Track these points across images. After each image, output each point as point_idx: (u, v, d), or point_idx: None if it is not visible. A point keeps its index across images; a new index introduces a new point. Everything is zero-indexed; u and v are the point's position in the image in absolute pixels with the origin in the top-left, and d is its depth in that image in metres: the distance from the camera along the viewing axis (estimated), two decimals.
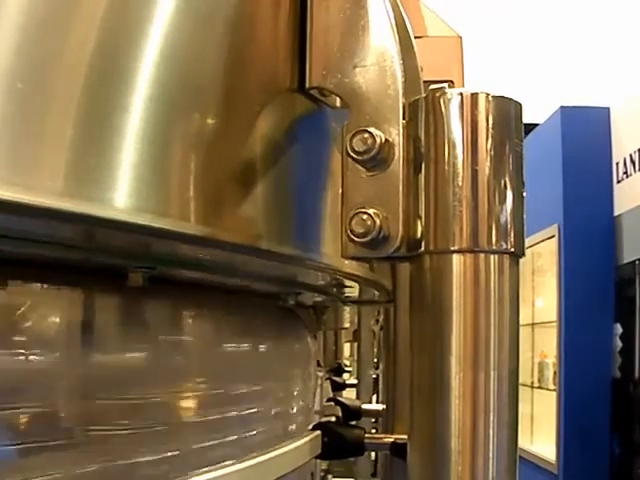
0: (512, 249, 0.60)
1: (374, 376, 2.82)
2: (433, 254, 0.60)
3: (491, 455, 0.59)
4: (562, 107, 5.89)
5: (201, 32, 0.56)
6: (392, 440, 0.96)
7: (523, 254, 0.62)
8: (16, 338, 0.58)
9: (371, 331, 2.82)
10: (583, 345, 5.53)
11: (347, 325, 3.56)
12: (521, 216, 0.62)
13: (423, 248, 0.61)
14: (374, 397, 2.81)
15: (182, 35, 0.53)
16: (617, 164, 5.62)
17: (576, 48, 6.96)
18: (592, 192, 5.75)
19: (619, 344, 5.44)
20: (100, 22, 0.47)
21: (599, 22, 6.95)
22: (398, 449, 0.93)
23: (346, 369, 5.21)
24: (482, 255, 0.60)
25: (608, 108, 5.70)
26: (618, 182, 5.61)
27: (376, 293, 1.03)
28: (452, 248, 0.59)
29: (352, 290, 0.98)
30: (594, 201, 5.74)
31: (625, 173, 5.47)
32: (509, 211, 0.60)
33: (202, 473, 0.70)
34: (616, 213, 5.59)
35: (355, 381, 2.94)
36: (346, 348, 6.58)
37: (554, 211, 5.69)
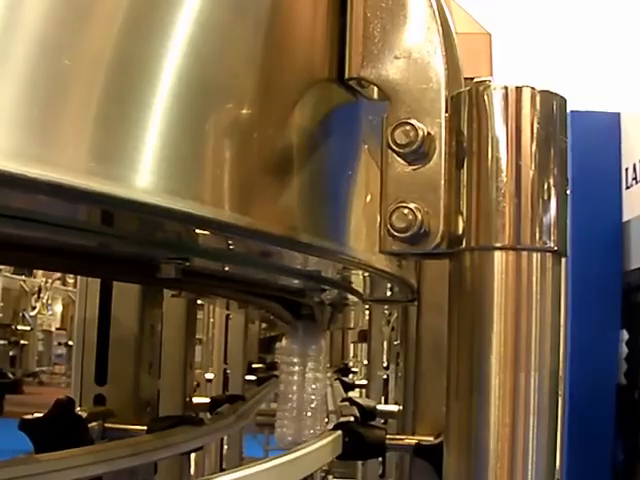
0: (555, 247, 0.59)
1: (384, 377, 2.80)
2: (474, 251, 0.59)
3: (530, 459, 0.58)
4: (572, 111, 5.85)
5: (238, 18, 0.54)
6: (416, 442, 0.95)
7: (566, 253, 0.60)
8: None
9: (381, 332, 2.81)
10: (589, 350, 5.51)
11: (352, 325, 3.56)
12: (565, 214, 0.60)
13: (464, 244, 0.59)
14: (382, 398, 2.79)
15: (218, 21, 0.52)
16: (626, 170, 5.59)
17: (587, 52, 6.95)
18: (601, 197, 5.72)
19: (625, 350, 5.41)
20: (136, 2, 0.46)
21: (610, 27, 6.93)
22: (423, 451, 0.92)
23: (352, 370, 5.20)
24: (525, 253, 0.58)
25: (618, 113, 5.68)
26: (627, 188, 5.58)
27: (396, 291, 1.01)
28: (494, 245, 0.58)
29: (364, 287, 0.97)
30: (602, 206, 5.71)
31: (634, 179, 5.45)
32: (553, 208, 0.59)
33: (227, 473, 0.69)
34: (625, 219, 5.57)
35: (364, 382, 2.93)
36: (351, 349, 6.59)
37: None
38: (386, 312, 2.58)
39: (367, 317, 2.92)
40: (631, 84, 5.93)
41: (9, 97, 0.39)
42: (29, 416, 1.07)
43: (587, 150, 5.71)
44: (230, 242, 0.62)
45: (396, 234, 0.59)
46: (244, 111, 0.54)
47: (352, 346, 6.57)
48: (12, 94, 0.39)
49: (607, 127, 5.68)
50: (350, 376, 4.90)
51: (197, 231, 0.56)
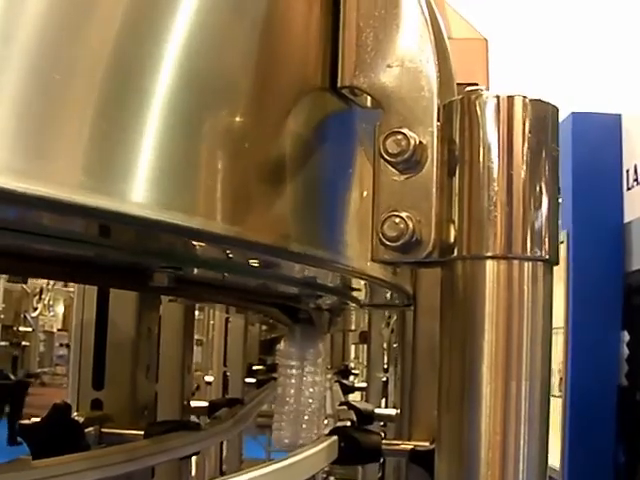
0: (547, 256, 0.59)
1: (384, 379, 2.80)
2: (466, 260, 0.59)
3: (521, 467, 0.58)
4: (573, 113, 5.86)
5: (231, 27, 0.54)
6: (412, 447, 0.95)
7: (557, 262, 0.60)
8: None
9: (381, 334, 2.81)
10: (590, 352, 5.50)
11: (353, 327, 3.55)
12: (556, 223, 0.60)
13: (456, 253, 0.59)
14: (382, 401, 2.79)
15: (211, 29, 0.52)
16: (627, 171, 5.59)
17: (588, 54, 6.94)
18: (602, 199, 5.71)
19: (626, 352, 5.41)
20: (125, 15, 0.46)
21: (612, 29, 6.92)
22: (418, 457, 0.92)
23: (353, 372, 5.20)
24: (516, 262, 0.58)
25: (619, 115, 5.67)
26: (628, 189, 5.58)
27: (394, 296, 1.01)
28: (486, 254, 0.58)
29: (361, 293, 0.97)
30: (604, 208, 5.70)
31: (635, 180, 5.44)
32: (544, 217, 0.59)
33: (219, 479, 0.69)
34: (626, 220, 5.56)
35: (364, 384, 2.93)
36: (352, 351, 6.57)
37: (563, 217, 5.67)
38: (386, 314, 2.58)
39: (367, 319, 2.91)
40: (632, 86, 5.93)
41: (2, 113, 0.39)
42: (26, 421, 1.07)
43: (588, 152, 5.70)
44: (224, 252, 0.62)
45: (388, 243, 0.59)
46: (237, 121, 0.54)
47: (353, 347, 6.56)
48: (5, 110, 0.39)
49: (608, 128, 5.68)
50: (351, 378, 4.89)
51: (190, 242, 0.56)
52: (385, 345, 2.88)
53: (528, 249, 0.58)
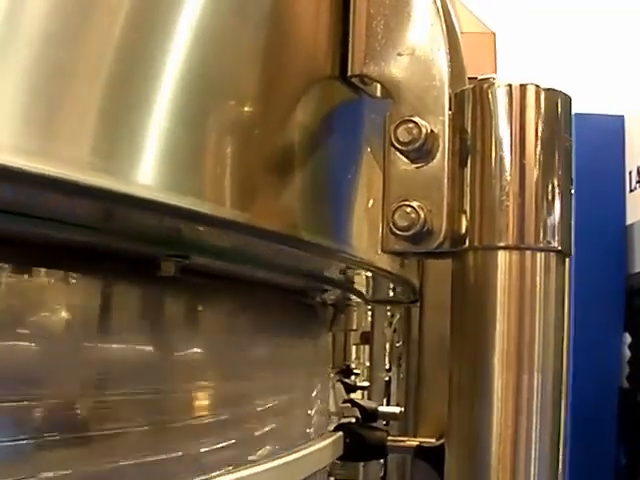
0: (559, 247, 0.58)
1: (386, 379, 2.79)
2: (478, 250, 0.58)
3: (533, 461, 0.57)
4: (576, 114, 5.82)
5: (240, 14, 0.54)
6: (417, 443, 0.94)
7: (570, 253, 0.59)
8: (31, 327, 0.55)
9: (383, 333, 2.80)
10: (591, 354, 5.49)
11: (355, 327, 3.55)
12: (569, 213, 0.59)
13: (467, 244, 0.58)
14: (384, 400, 2.78)
15: (221, 17, 0.51)
16: (630, 173, 5.58)
17: (591, 55, 6.94)
18: (604, 200, 5.70)
19: (628, 354, 5.40)
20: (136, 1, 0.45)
21: (614, 29, 6.92)
22: (424, 453, 0.91)
23: (354, 371, 5.19)
24: (528, 252, 0.58)
25: (622, 116, 5.66)
26: (631, 191, 5.57)
27: (398, 292, 1.01)
28: (498, 244, 0.57)
29: (366, 287, 0.96)
30: (606, 209, 5.69)
31: (638, 182, 5.43)
32: (557, 208, 0.58)
33: (224, 474, 0.68)
34: (628, 222, 5.55)
35: (366, 383, 2.92)
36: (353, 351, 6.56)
37: None
38: (388, 314, 2.57)
39: (369, 319, 2.91)
40: (635, 87, 5.92)
41: (10, 92, 0.39)
42: None
43: (591, 153, 5.69)
44: (230, 239, 0.62)
45: (398, 233, 0.59)
46: (246, 108, 0.53)
47: (354, 348, 6.54)
48: (13, 89, 0.39)
49: (611, 130, 5.66)
50: (352, 378, 4.88)
51: (196, 227, 0.56)
52: (387, 345, 2.87)
53: (540, 239, 0.57)
